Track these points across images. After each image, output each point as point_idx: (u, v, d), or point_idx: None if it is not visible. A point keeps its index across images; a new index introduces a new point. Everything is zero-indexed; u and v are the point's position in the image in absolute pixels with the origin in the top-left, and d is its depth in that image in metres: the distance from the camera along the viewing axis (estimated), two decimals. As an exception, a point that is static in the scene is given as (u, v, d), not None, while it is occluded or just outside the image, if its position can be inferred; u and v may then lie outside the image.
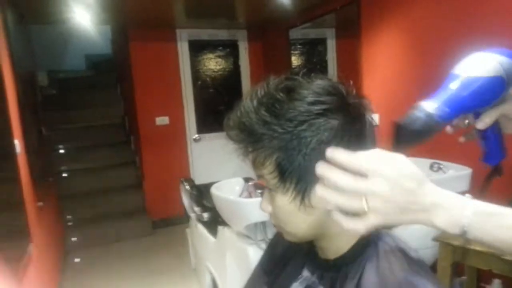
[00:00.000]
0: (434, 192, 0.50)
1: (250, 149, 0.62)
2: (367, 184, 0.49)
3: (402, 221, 0.50)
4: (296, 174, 0.60)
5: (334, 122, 0.58)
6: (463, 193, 2.18)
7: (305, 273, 0.74)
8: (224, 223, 2.31)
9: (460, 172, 2.18)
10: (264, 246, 2.02)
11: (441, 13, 2.65)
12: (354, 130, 0.59)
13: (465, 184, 2.16)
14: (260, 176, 0.65)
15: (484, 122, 0.66)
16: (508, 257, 1.58)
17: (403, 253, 0.64)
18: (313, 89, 0.60)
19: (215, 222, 2.54)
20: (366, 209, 0.49)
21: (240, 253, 2.14)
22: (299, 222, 0.64)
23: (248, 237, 2.10)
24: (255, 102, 0.61)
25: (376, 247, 0.65)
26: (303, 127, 0.58)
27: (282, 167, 0.60)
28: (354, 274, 0.64)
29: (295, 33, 4.44)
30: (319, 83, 0.61)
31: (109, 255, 4.04)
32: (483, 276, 2.28)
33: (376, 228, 0.51)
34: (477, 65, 0.63)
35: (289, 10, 3.90)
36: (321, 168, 0.52)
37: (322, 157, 0.54)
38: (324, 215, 0.62)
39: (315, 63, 4.63)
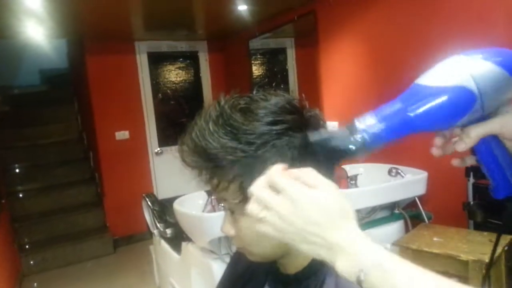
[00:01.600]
0: (345, 234, 0.47)
1: (211, 175, 0.60)
2: (272, 198, 0.48)
3: (305, 250, 0.49)
4: None
5: (296, 141, 0.57)
6: (420, 197, 2.27)
7: None
8: (188, 239, 2.27)
9: (417, 176, 2.25)
10: (228, 260, 1.99)
11: (397, 20, 2.73)
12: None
13: (422, 187, 2.23)
14: (222, 200, 0.63)
15: (464, 142, 0.53)
16: (463, 258, 1.63)
17: None
18: (270, 108, 0.58)
19: (178, 238, 2.48)
20: (260, 217, 0.49)
21: (205, 269, 2.11)
22: (265, 243, 0.63)
23: (212, 252, 2.07)
24: (211, 124, 0.58)
25: None
26: (266, 148, 0.56)
27: (247, 191, 0.58)
28: (314, 287, 0.64)
29: (255, 43, 4.48)
30: (275, 101, 0.60)
31: (69, 277, 3.86)
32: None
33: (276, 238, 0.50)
34: (439, 73, 0.51)
35: (248, 21, 3.93)
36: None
37: None
38: None
39: (276, 73, 4.68)
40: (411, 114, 0.50)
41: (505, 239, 1.68)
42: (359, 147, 0.50)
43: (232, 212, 0.63)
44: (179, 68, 5.09)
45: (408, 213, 2.35)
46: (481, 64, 0.49)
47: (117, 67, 4.52)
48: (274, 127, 0.57)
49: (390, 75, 2.76)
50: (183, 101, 5.11)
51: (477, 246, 1.69)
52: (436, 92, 0.49)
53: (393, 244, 1.86)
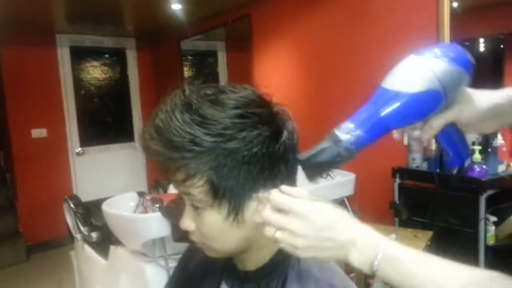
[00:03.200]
0: (351, 230, 0.52)
1: (177, 166, 0.57)
2: (283, 219, 0.53)
3: (325, 258, 0.54)
4: (230, 191, 0.57)
5: (266, 134, 0.57)
6: (348, 197, 2.38)
7: (224, 287, 0.71)
8: (117, 242, 2.15)
9: (346, 178, 2.37)
10: (163, 263, 1.92)
11: (329, 27, 2.85)
12: (281, 140, 0.59)
13: (350, 188, 2.36)
14: (185, 194, 0.60)
15: (428, 133, 0.61)
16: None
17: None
18: (241, 101, 0.57)
19: (105, 241, 2.34)
20: (276, 237, 0.53)
21: (137, 273, 2.01)
22: (229, 238, 0.61)
23: (144, 255, 1.98)
24: (177, 114, 0.55)
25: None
26: (235, 141, 0.55)
27: (215, 185, 0.56)
28: (276, 283, 0.64)
29: (186, 44, 4.42)
30: (245, 93, 0.59)
31: (-27, 290, 3.47)
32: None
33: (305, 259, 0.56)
34: (406, 77, 0.55)
35: (182, 21, 3.86)
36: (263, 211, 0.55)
37: (255, 171, 0.56)
38: (254, 228, 0.60)
39: (206, 75, 4.66)
40: (385, 116, 0.55)
41: (427, 235, 1.83)
42: (345, 157, 0.55)
43: (196, 207, 0.60)
44: (104, 64, 4.85)
45: (337, 213, 2.46)
46: (441, 64, 0.54)
47: (36, 60, 4.18)
48: (244, 120, 0.56)
49: (323, 81, 2.87)
50: (108, 99, 4.88)
51: (404, 242, 1.81)
52: (410, 98, 0.54)
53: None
